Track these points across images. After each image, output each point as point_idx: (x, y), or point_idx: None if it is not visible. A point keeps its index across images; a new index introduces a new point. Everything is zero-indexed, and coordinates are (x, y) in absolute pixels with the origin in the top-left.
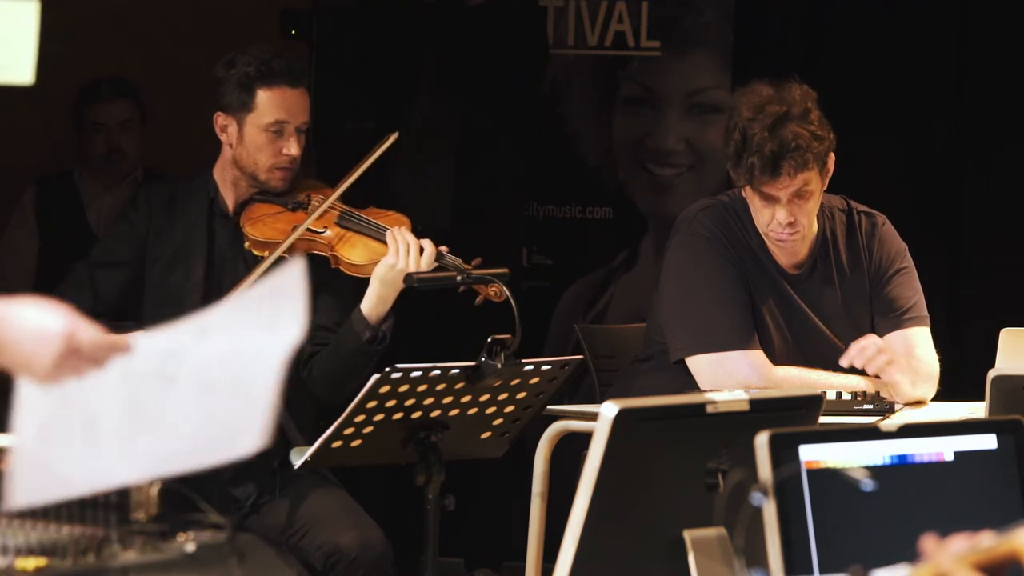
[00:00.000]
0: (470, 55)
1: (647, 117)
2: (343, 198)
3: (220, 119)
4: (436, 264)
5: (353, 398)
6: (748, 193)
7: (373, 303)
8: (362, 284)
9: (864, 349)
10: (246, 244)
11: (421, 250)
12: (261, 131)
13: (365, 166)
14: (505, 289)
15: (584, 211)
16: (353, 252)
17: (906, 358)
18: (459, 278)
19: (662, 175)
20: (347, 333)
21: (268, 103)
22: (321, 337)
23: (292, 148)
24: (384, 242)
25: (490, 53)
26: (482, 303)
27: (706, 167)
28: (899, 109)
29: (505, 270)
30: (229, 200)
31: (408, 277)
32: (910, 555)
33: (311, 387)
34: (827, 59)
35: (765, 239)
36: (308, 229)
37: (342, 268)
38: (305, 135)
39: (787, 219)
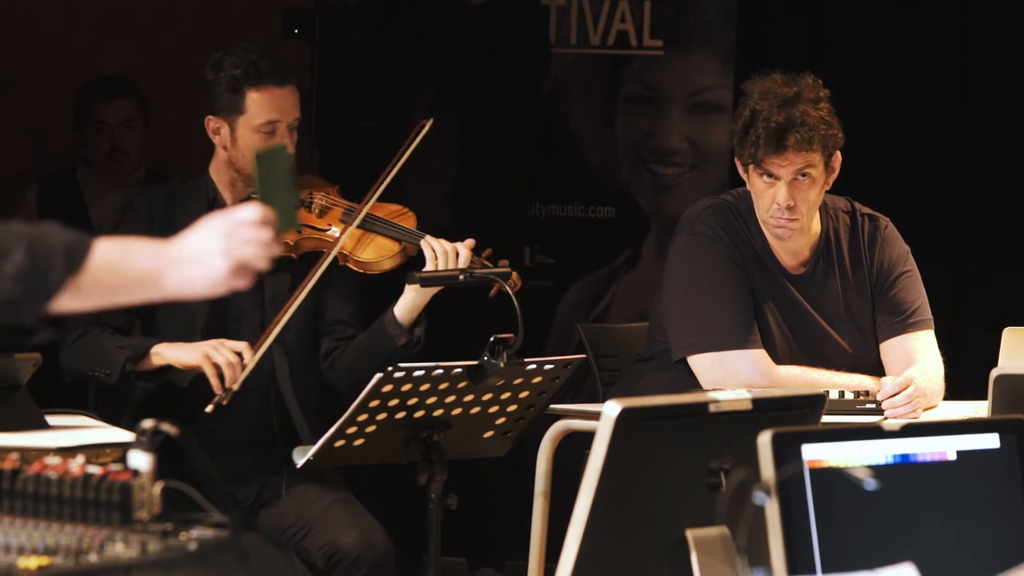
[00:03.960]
0: (472, 54)
1: (650, 116)
2: (342, 193)
3: (212, 123)
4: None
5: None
6: (751, 177)
7: (407, 308)
8: (366, 275)
9: (895, 406)
10: None
11: (457, 254)
12: (254, 133)
13: (402, 160)
14: (508, 288)
15: (586, 210)
16: (362, 250)
17: (925, 380)
18: (461, 277)
19: (664, 174)
20: (380, 336)
21: (258, 104)
22: (339, 331)
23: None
24: (391, 238)
25: (492, 52)
26: (496, 295)
27: (709, 166)
28: (903, 109)
29: (508, 269)
30: (228, 200)
31: (410, 276)
32: (913, 554)
33: (333, 380)
34: (830, 58)
35: (765, 230)
36: (312, 227)
37: (350, 265)
38: (298, 131)
39: (787, 201)
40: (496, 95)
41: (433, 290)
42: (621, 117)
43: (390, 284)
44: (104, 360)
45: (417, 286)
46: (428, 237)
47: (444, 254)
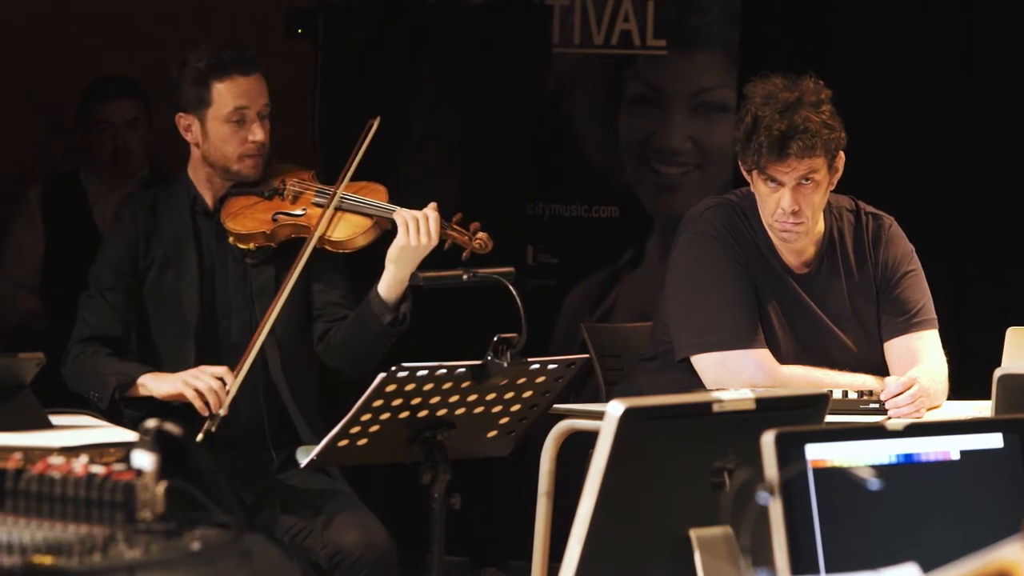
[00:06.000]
0: (475, 54)
1: (653, 116)
2: (317, 178)
3: (182, 120)
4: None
5: (373, 374)
6: (755, 181)
7: (390, 285)
8: (351, 254)
9: (899, 406)
10: (229, 239)
11: (428, 219)
12: (223, 123)
13: (357, 159)
14: (512, 287)
15: (590, 210)
16: (334, 230)
17: (927, 378)
18: (465, 277)
19: (668, 174)
20: (367, 315)
21: (224, 94)
22: (331, 313)
23: (257, 134)
24: (364, 215)
25: (495, 52)
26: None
27: (712, 166)
28: (904, 109)
29: (511, 268)
30: (208, 198)
31: (414, 277)
32: (916, 554)
33: (330, 362)
34: (831, 58)
35: (770, 233)
36: (287, 214)
37: (326, 247)
38: (269, 119)
39: (792, 206)
40: (498, 95)
41: (412, 265)
42: (624, 117)
43: (377, 263)
44: (97, 384)
45: (395, 262)
46: (399, 209)
47: (415, 221)
